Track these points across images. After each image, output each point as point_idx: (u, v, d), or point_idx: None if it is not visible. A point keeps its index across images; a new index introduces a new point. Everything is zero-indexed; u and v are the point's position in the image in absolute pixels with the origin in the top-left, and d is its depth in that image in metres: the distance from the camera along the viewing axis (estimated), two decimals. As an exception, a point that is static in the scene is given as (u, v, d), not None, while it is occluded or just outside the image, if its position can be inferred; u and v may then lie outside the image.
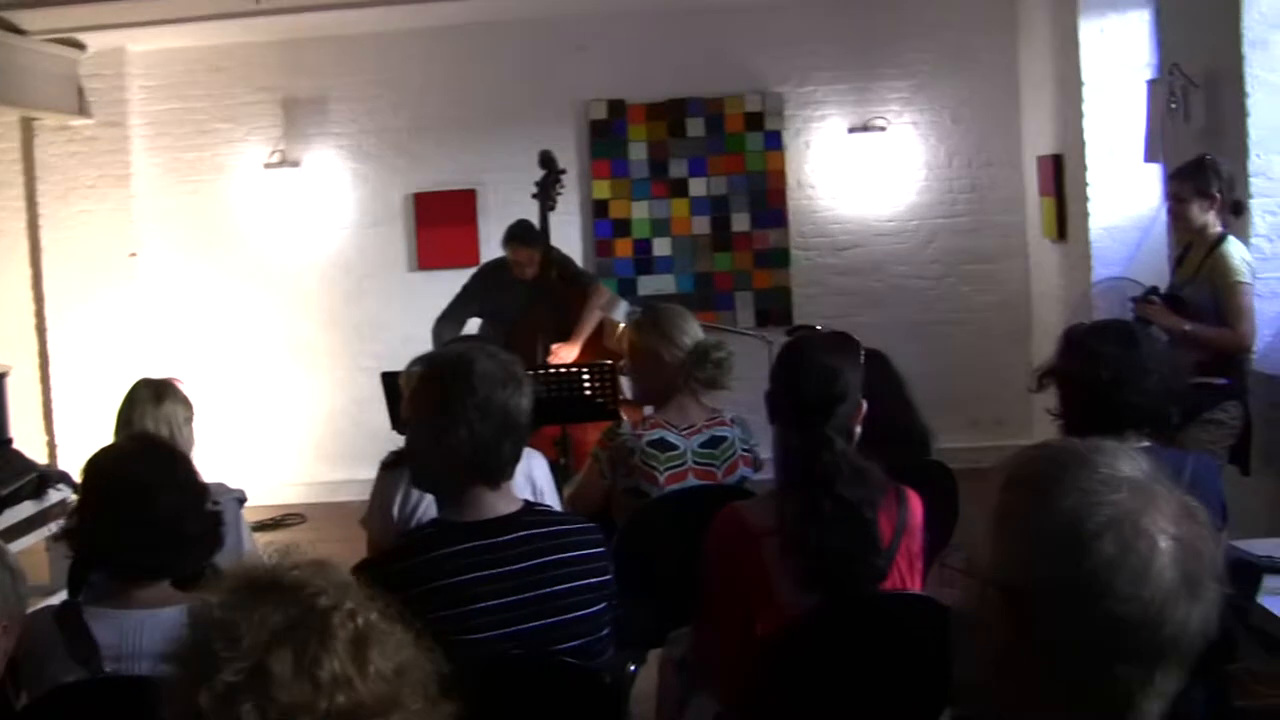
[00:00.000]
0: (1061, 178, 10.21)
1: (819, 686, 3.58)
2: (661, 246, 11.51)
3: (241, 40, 11.44)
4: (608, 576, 3.58)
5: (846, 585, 3.60)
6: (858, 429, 3.83)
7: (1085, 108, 9.60)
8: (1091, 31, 9.62)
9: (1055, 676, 1.81)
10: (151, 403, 5.16)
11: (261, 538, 8.32)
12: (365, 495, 5.20)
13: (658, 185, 11.49)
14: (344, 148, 11.69)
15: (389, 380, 6.75)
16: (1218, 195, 6.53)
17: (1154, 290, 6.72)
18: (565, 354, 7.87)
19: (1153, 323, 6.28)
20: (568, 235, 10.76)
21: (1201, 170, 6.58)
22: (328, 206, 11.69)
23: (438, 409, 3.47)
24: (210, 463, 5.21)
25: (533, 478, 4.99)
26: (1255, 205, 7.01)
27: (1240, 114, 7.06)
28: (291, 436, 11.76)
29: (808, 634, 3.61)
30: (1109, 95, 9.51)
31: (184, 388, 5.38)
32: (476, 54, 11.51)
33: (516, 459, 3.54)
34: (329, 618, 1.96)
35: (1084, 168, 9.61)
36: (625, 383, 6.51)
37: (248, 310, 11.73)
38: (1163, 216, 7.77)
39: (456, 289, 8.77)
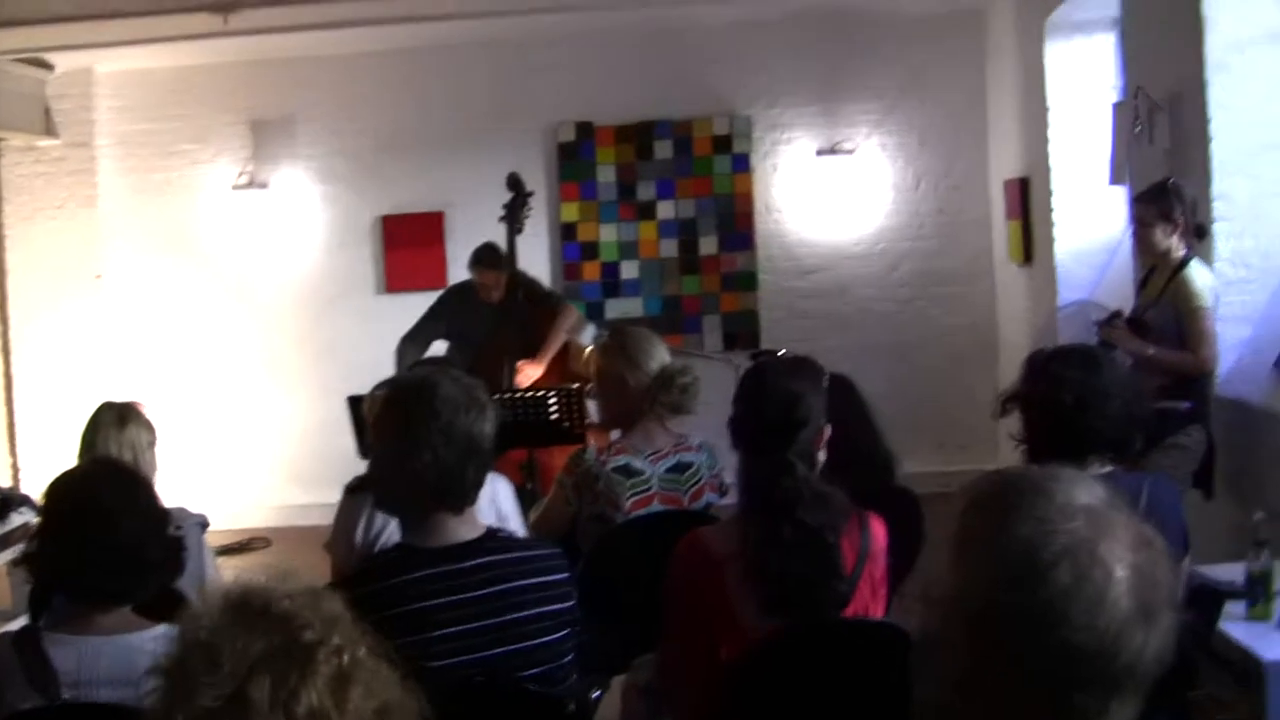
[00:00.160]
0: (1028, 201, 10.25)
1: (783, 712, 3.58)
2: (629, 269, 11.52)
3: (210, 61, 11.43)
4: (571, 603, 3.57)
5: (809, 610, 3.60)
6: (822, 454, 3.84)
7: (1051, 131, 9.65)
8: (1058, 55, 9.67)
9: (1015, 702, 1.81)
10: (115, 426, 5.15)
11: (226, 561, 8.31)
12: (331, 519, 5.18)
13: (626, 208, 11.51)
14: (312, 169, 11.69)
15: (355, 405, 6.73)
16: (1181, 219, 6.55)
17: (1118, 314, 6.75)
18: (531, 371, 7.83)
19: (1116, 346, 6.31)
20: (536, 257, 10.77)
21: (1164, 194, 6.61)
22: (296, 228, 11.68)
23: (401, 433, 3.46)
24: (176, 485, 5.22)
25: (497, 502, 4.98)
26: (1218, 229, 7.03)
27: (1203, 137, 7.09)
28: (258, 459, 11.72)
29: (771, 659, 3.60)
30: (1075, 118, 9.57)
31: (148, 411, 5.37)
32: (445, 75, 11.53)
33: (480, 484, 3.53)
34: (313, 652, 1.96)
35: (1050, 191, 9.66)
36: (592, 407, 6.50)
37: (214, 332, 11.70)
38: (1128, 240, 7.79)
39: (424, 311, 8.75)
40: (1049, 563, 1.77)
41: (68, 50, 10.73)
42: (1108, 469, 3.91)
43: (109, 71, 11.53)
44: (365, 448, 6.11)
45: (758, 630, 3.59)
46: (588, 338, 8.15)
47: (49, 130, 11.28)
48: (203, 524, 5.16)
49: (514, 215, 8.04)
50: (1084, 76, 9.60)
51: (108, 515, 3.44)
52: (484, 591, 3.40)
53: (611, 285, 11.54)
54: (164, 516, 3.64)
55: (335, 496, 5.23)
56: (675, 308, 11.51)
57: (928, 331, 11.46)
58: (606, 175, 11.53)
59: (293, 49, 11.21)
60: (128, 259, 11.61)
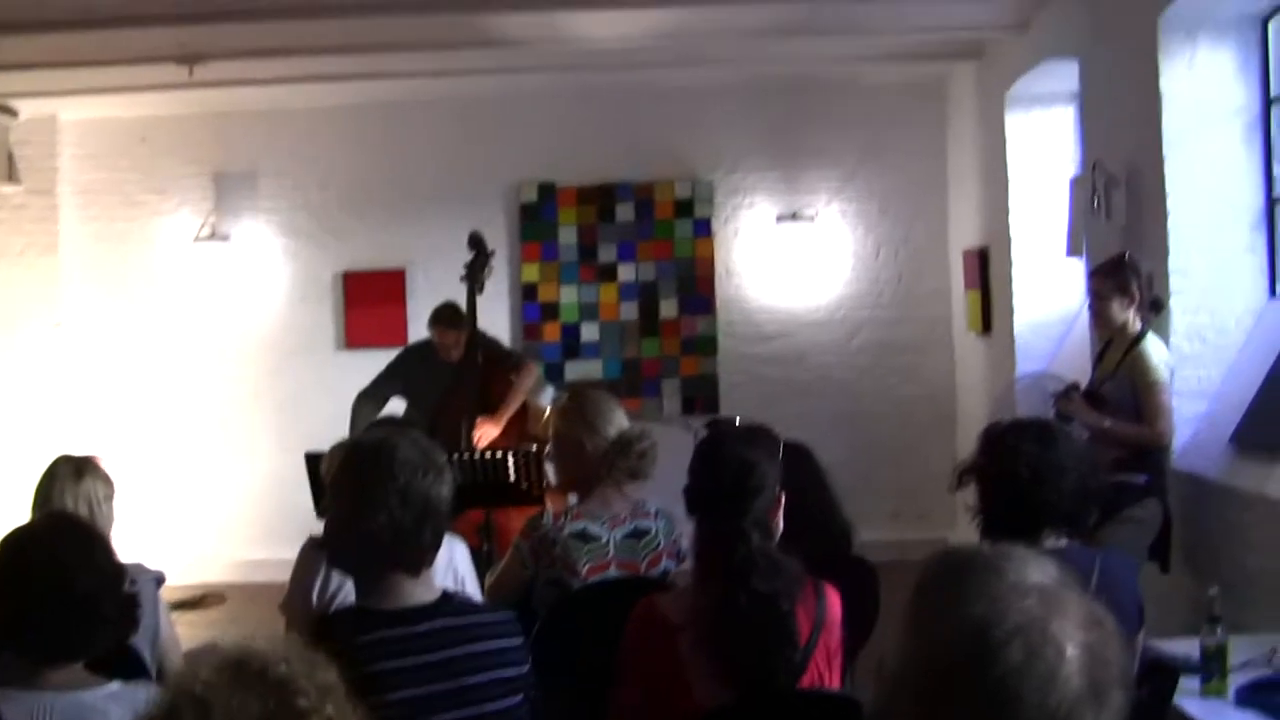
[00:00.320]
0: (987, 271, 10.32)
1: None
2: (589, 331, 11.54)
3: (174, 113, 11.44)
4: (525, 668, 3.56)
5: (763, 680, 3.59)
6: (779, 522, 3.84)
7: (1011, 202, 9.73)
8: (1018, 126, 9.76)
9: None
10: (71, 479, 5.10)
11: (181, 617, 8.23)
12: (288, 576, 5.16)
13: (586, 269, 11.54)
14: (274, 223, 11.69)
15: (313, 462, 6.69)
16: (1137, 293, 6.63)
17: (1075, 386, 6.80)
18: (489, 429, 7.81)
19: (1073, 418, 6.36)
20: (496, 317, 10.75)
21: (1121, 268, 6.68)
22: (257, 282, 11.67)
23: (358, 494, 3.45)
24: (132, 539, 5.17)
25: (455, 564, 4.98)
26: (1174, 304, 7.11)
27: (1160, 212, 7.16)
28: (215, 514, 11.65)
29: (723, 729, 3.60)
30: (1035, 190, 9.65)
31: (105, 464, 5.34)
32: (409, 133, 11.56)
33: (437, 547, 3.52)
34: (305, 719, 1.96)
35: (1009, 262, 9.72)
36: (550, 468, 6.49)
37: (173, 384, 11.64)
38: (1085, 312, 7.86)
39: (383, 368, 8.73)
40: (1001, 641, 1.78)
41: (33, 97, 10.73)
42: (1063, 543, 3.93)
43: (73, 119, 11.51)
44: (323, 506, 6.07)
45: (711, 699, 3.58)
46: (546, 399, 8.16)
47: (11, 176, 11.23)
48: (159, 580, 5.11)
49: (475, 274, 8.06)
50: (1044, 148, 9.71)
51: (62, 570, 3.41)
52: (438, 656, 3.38)
53: (572, 346, 11.55)
54: (120, 572, 3.61)
55: (292, 553, 5.20)
56: (635, 370, 11.53)
57: (886, 400, 11.50)
58: (568, 236, 11.56)
59: (257, 102, 11.23)
60: (88, 308, 11.57)
